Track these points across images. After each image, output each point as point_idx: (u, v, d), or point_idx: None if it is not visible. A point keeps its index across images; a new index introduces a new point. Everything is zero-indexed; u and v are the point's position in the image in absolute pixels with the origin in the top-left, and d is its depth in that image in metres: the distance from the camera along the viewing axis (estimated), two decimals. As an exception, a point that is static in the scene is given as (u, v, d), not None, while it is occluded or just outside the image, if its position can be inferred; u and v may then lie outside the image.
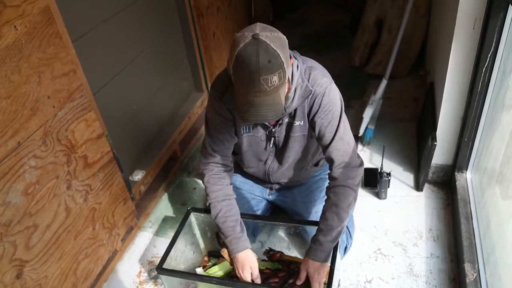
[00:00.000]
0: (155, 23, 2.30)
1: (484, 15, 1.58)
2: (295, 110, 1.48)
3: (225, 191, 1.59)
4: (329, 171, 1.52)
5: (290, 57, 1.36)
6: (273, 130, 1.55)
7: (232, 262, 1.59)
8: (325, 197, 1.52)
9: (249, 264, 1.54)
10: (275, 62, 1.18)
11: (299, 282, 1.51)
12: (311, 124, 1.50)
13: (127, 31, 2.05)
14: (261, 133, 1.58)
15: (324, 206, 1.50)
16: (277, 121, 1.52)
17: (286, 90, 1.34)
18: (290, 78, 1.38)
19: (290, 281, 1.56)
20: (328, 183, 1.53)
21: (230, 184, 1.64)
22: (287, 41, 1.26)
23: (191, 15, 2.53)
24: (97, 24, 1.83)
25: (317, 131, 1.49)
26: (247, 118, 1.26)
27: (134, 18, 2.09)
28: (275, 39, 1.20)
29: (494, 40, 1.58)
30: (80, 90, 1.57)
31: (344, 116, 1.49)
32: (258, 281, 1.55)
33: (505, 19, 1.53)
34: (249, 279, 1.53)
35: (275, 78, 1.19)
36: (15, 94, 1.29)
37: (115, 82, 1.98)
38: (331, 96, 1.44)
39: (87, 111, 1.62)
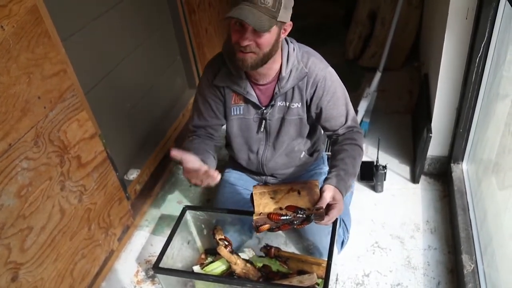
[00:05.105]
0: (146, 21, 2.28)
1: (476, 5, 1.58)
2: (292, 93, 1.51)
3: (201, 145, 1.59)
4: (337, 133, 1.57)
5: (287, 42, 1.44)
6: (264, 111, 1.55)
7: (229, 259, 1.58)
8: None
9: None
10: None
11: (322, 204, 1.29)
12: (316, 108, 1.53)
13: (117, 29, 2.03)
14: (252, 114, 1.58)
15: (339, 155, 1.47)
16: (269, 103, 1.54)
17: (275, 37, 1.33)
18: (286, 58, 1.44)
19: (302, 213, 1.32)
20: (339, 141, 1.54)
21: (210, 146, 1.62)
22: None
23: (183, 11, 2.51)
24: (87, 22, 1.80)
25: (324, 114, 1.53)
26: (231, 14, 1.25)
27: (124, 16, 2.07)
28: None
29: (487, 29, 1.57)
30: (71, 90, 1.55)
31: (346, 94, 1.55)
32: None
33: (497, 9, 1.53)
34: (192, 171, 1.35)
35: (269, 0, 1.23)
36: (5, 95, 1.27)
37: (107, 81, 1.96)
38: (333, 78, 1.51)
39: (79, 111, 1.60)
